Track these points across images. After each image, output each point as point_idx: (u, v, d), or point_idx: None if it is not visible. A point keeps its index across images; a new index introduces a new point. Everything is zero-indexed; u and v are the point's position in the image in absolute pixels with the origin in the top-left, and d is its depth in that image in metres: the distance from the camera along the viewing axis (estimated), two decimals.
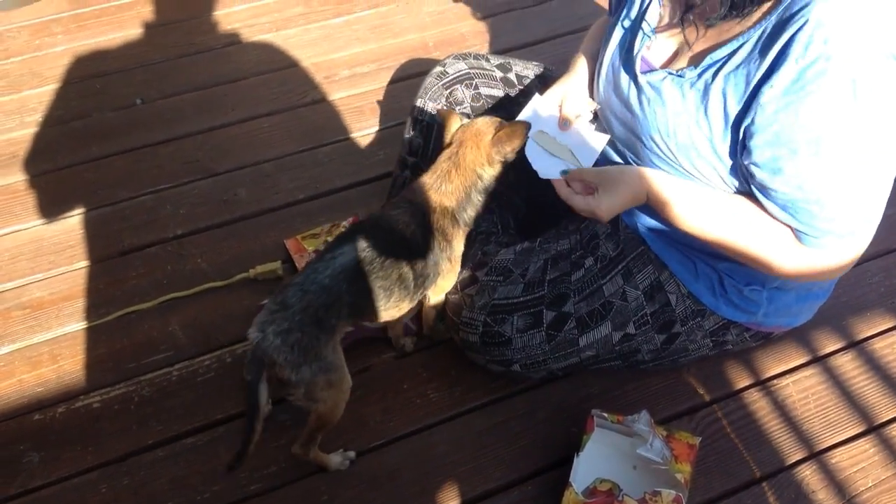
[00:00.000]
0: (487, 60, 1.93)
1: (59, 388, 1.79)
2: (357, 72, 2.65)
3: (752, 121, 1.26)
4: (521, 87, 1.90)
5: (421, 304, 1.76)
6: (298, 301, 1.44)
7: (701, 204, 1.41)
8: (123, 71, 2.66)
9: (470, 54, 1.94)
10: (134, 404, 1.75)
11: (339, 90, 2.58)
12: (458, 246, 1.66)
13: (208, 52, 2.74)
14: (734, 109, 1.29)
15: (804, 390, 1.76)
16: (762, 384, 1.77)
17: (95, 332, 1.89)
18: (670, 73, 1.38)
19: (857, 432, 1.70)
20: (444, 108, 1.83)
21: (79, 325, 1.91)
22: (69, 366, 1.83)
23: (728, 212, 1.39)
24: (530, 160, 1.58)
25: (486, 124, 1.61)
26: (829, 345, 1.84)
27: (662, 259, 1.61)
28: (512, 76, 1.91)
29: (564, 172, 1.52)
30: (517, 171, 1.93)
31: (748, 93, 1.26)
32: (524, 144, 1.59)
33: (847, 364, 1.81)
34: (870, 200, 1.30)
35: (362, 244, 1.52)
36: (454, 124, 1.65)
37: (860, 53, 1.17)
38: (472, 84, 1.88)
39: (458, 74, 1.88)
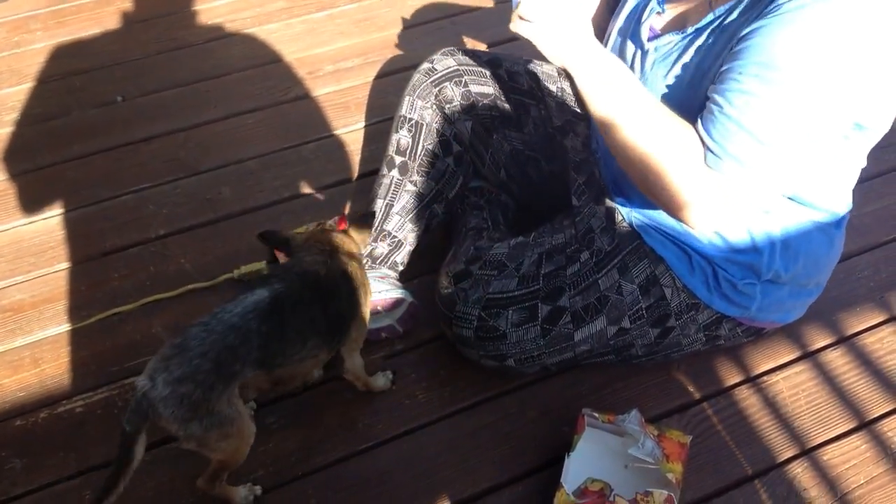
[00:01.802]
0: (477, 56, 1.90)
1: (41, 392, 1.76)
2: (341, 67, 2.62)
3: (731, 49, 1.28)
4: (511, 84, 1.88)
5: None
6: (200, 343, 1.33)
7: (625, 89, 1.34)
8: (103, 68, 2.62)
9: (458, 50, 1.91)
10: (117, 409, 1.72)
11: (324, 86, 2.55)
12: (370, 288, 1.63)
13: (189, 48, 2.70)
14: (725, 52, 1.30)
15: (795, 387, 1.76)
16: (753, 381, 1.76)
17: (77, 335, 1.86)
18: (673, 34, 1.41)
19: (848, 428, 1.69)
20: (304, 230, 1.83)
21: (60, 327, 1.88)
22: (51, 370, 1.80)
23: (649, 106, 1.35)
24: None
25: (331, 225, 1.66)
26: (820, 340, 1.84)
27: (658, 253, 1.60)
28: (502, 72, 1.88)
29: None
30: (507, 171, 1.93)
31: (740, 35, 1.27)
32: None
33: (837, 360, 1.80)
34: (785, 148, 1.26)
35: (276, 285, 1.45)
36: (300, 228, 1.69)
37: (851, 8, 1.17)
38: (461, 82, 1.86)
39: (447, 71, 1.86)
